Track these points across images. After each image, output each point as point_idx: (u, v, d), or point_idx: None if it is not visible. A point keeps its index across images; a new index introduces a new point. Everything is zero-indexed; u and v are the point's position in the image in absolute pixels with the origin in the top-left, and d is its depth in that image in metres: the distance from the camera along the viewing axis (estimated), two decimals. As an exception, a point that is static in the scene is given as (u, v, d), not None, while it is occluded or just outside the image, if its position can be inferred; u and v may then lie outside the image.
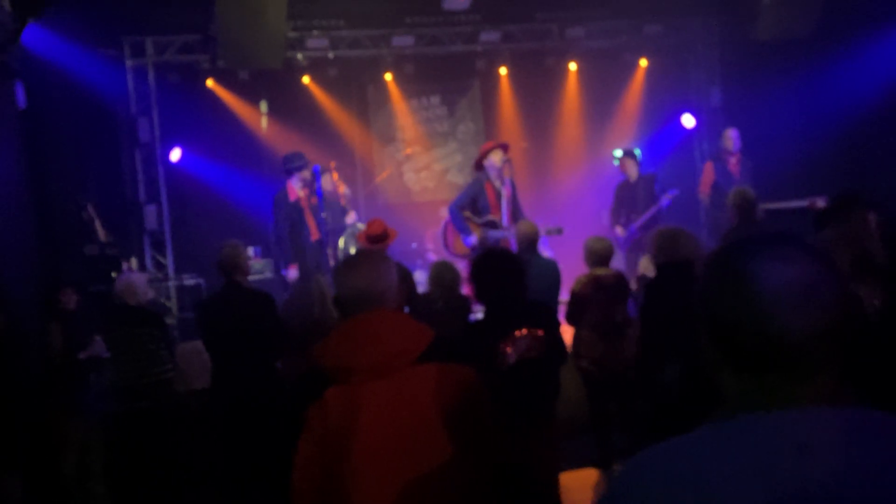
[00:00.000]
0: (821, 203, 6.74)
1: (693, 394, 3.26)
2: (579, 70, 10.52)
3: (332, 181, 8.03)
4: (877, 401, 1.05)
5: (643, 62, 10.46)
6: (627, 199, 8.33)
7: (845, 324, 1.01)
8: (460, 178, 10.96)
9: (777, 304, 0.98)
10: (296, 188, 7.23)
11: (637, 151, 10.47)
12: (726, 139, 8.17)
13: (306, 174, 7.22)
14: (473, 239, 6.85)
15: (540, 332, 3.33)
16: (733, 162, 8.10)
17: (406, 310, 4.84)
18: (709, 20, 10.13)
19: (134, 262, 8.30)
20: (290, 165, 7.24)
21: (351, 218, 7.86)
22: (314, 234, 7.29)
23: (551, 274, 5.29)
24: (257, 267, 8.23)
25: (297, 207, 7.20)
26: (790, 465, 0.94)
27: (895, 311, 2.87)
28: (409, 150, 10.76)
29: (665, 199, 8.00)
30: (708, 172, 8.29)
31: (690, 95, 10.50)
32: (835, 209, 3.35)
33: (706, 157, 9.51)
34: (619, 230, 8.26)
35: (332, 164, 8.15)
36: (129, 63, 8.94)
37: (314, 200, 7.34)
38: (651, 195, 8.17)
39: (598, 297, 4.98)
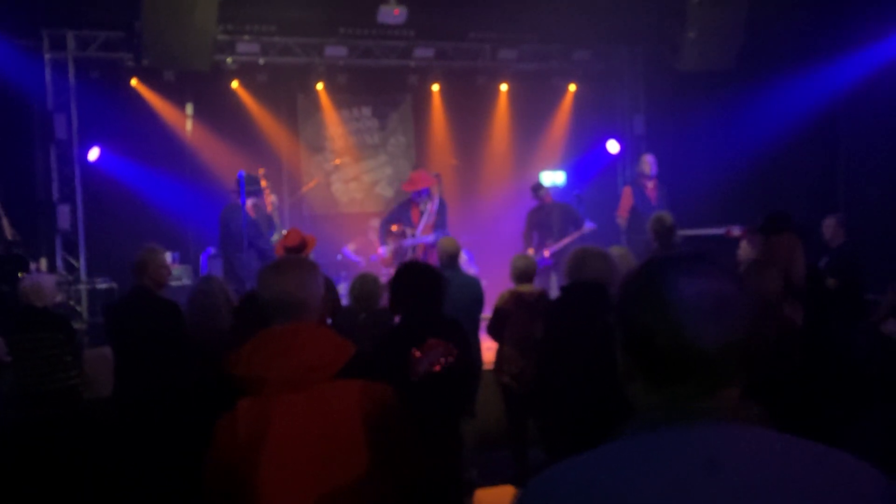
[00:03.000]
0: (736, 231, 7.00)
1: (592, 412, 3.31)
2: (510, 91, 10.68)
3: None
4: (793, 415, 1.08)
5: (572, 87, 10.71)
6: (541, 224, 8.46)
7: (753, 338, 1.06)
8: (389, 191, 10.94)
9: (691, 313, 1.03)
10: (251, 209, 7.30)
11: (561, 174, 10.70)
12: (643, 164, 8.41)
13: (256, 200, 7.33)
14: (384, 249, 7.76)
15: (450, 347, 3.32)
16: (650, 187, 8.33)
17: (328, 322, 4.78)
18: (635, 49, 10.45)
19: (43, 262, 7.94)
20: (250, 188, 7.20)
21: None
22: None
23: (473, 290, 5.31)
24: (175, 273, 7.97)
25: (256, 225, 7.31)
26: (699, 481, 0.96)
27: (814, 334, 2.99)
28: (338, 161, 10.66)
29: (581, 233, 8.23)
30: (626, 197, 8.50)
31: (615, 122, 10.79)
32: (762, 227, 3.46)
33: (628, 182, 9.76)
34: (530, 252, 8.34)
35: (261, 171, 7.97)
36: (47, 56, 8.60)
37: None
38: (566, 221, 8.35)
39: (520, 313, 5.02)
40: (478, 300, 5.34)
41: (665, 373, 1.05)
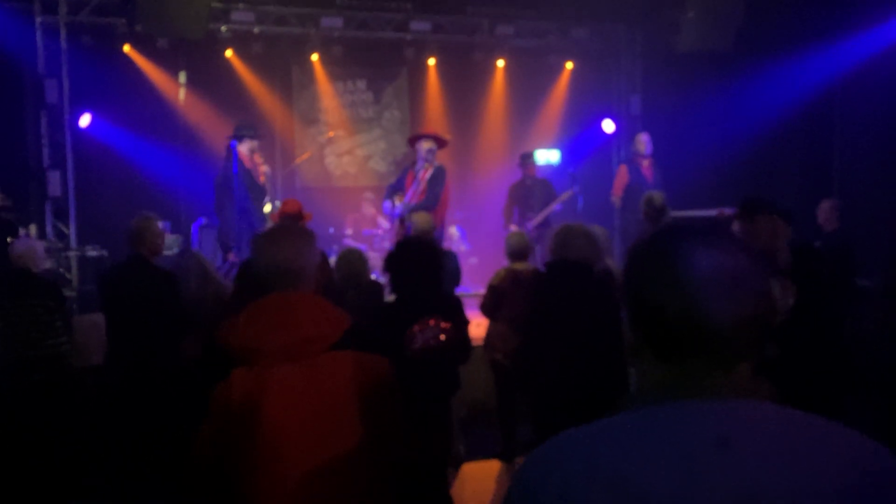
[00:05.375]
0: (728, 213, 7.01)
1: (578, 387, 3.33)
2: (507, 67, 10.61)
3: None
4: (788, 394, 1.07)
5: (569, 65, 10.64)
6: (522, 198, 8.43)
7: (767, 315, 1.02)
8: (383, 166, 10.89)
9: (704, 288, 0.99)
10: (246, 156, 7.15)
11: (556, 152, 10.65)
12: (638, 142, 8.41)
13: (254, 144, 7.19)
14: (387, 204, 7.55)
15: (445, 324, 3.33)
16: (646, 165, 8.32)
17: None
18: (633, 29, 10.37)
19: (33, 229, 7.87)
20: (241, 133, 7.12)
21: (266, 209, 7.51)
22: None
23: (450, 265, 5.34)
24: (168, 242, 7.92)
25: (247, 174, 7.13)
26: (709, 458, 0.93)
27: (805, 312, 3.00)
28: (331, 134, 10.59)
29: (558, 205, 8.18)
30: (621, 175, 8.50)
31: (612, 101, 10.73)
32: (739, 212, 3.46)
33: (623, 162, 9.74)
34: (513, 228, 8.32)
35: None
36: (39, 20, 8.46)
37: (264, 170, 7.37)
38: (548, 196, 8.33)
39: (515, 291, 5.02)
40: (455, 275, 5.39)
41: (675, 348, 1.01)
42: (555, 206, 8.25)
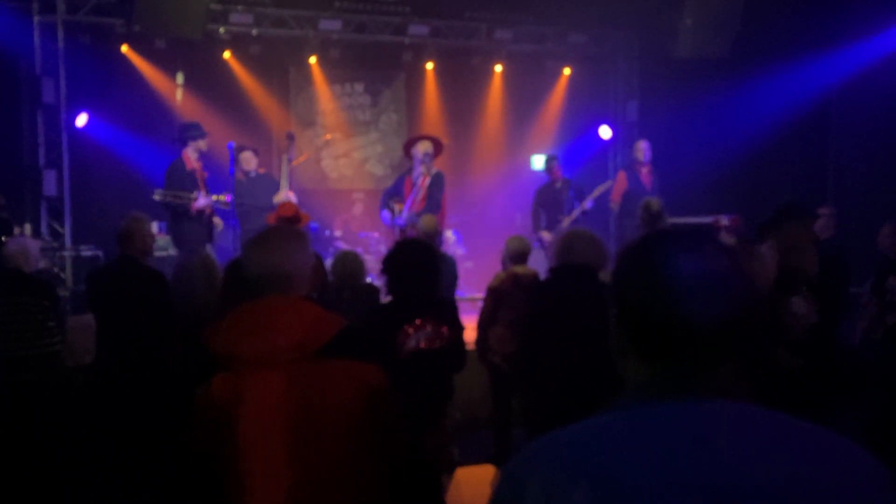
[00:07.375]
0: (724, 221, 7.02)
1: (577, 392, 3.31)
2: (504, 72, 10.62)
3: (253, 158, 7.82)
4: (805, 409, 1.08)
5: (566, 70, 10.66)
6: (551, 202, 8.33)
7: (748, 319, 1.05)
8: (379, 169, 10.89)
9: (687, 291, 1.03)
10: (191, 158, 7.02)
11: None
12: (637, 150, 8.44)
13: (201, 144, 7.05)
14: (386, 213, 7.39)
15: (443, 328, 3.32)
16: (644, 172, 8.34)
17: (314, 296, 4.77)
18: (631, 34, 10.40)
19: (28, 228, 7.85)
20: (186, 134, 7.04)
21: (281, 197, 7.45)
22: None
23: (448, 270, 5.33)
24: (161, 243, 7.90)
25: (191, 177, 6.95)
26: (688, 456, 0.96)
27: (827, 326, 3.00)
28: (328, 136, 10.59)
29: (590, 202, 8.09)
30: (620, 181, 8.51)
31: (609, 107, 10.75)
32: (772, 220, 3.46)
33: (619, 168, 9.75)
34: (545, 235, 8.21)
35: (287, 132, 8.07)
36: (36, 19, 8.45)
37: (205, 175, 7.17)
38: (576, 195, 8.23)
39: (516, 295, 5.01)
40: (452, 279, 5.41)
41: (657, 348, 1.05)
42: (588, 204, 8.07)
